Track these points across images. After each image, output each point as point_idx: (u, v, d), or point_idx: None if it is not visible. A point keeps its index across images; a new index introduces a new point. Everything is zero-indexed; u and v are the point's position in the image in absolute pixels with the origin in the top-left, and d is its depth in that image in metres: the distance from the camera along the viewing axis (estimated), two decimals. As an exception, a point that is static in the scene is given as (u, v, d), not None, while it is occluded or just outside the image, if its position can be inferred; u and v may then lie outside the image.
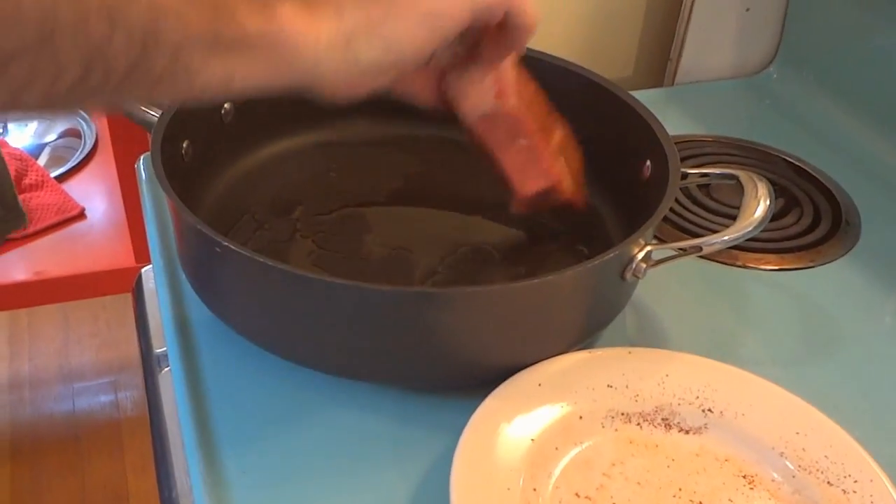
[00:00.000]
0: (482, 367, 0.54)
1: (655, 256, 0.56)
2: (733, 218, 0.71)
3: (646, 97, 0.89)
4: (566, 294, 0.54)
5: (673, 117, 0.87)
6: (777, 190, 0.76)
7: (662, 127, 0.63)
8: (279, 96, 0.72)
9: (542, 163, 0.60)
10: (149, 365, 0.69)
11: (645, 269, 0.55)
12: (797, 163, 0.80)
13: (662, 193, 0.57)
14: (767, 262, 0.69)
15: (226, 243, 0.51)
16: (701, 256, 0.69)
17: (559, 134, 0.62)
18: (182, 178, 0.64)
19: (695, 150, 0.81)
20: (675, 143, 0.80)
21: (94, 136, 1.59)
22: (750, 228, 0.55)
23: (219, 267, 0.55)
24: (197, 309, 0.61)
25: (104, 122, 1.51)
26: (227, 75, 0.42)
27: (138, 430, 1.66)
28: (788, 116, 0.88)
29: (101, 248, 1.40)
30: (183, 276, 0.63)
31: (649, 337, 0.63)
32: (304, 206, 0.69)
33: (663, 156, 0.61)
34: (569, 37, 0.91)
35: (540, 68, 0.72)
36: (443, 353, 0.53)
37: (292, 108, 0.74)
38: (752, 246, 0.69)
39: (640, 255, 0.54)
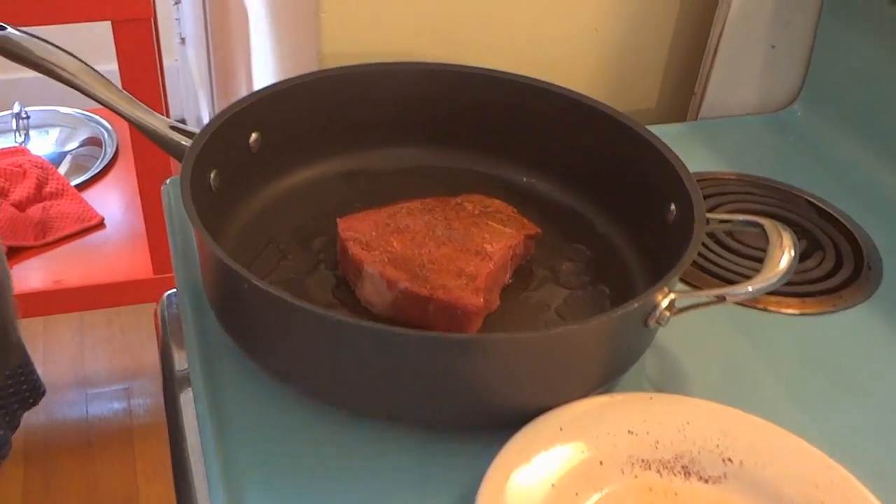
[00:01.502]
0: (504, 410, 0.55)
1: (679, 304, 0.56)
2: (757, 260, 0.72)
3: (669, 131, 0.90)
4: (590, 342, 0.54)
5: (696, 152, 0.87)
6: (799, 232, 0.77)
7: (688, 171, 0.64)
8: (306, 124, 0.74)
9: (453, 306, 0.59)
10: (170, 389, 0.69)
11: (668, 318, 0.55)
12: (819, 203, 0.80)
13: (687, 240, 0.58)
14: (789, 307, 0.69)
15: (254, 282, 0.51)
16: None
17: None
18: (208, 207, 0.64)
19: (717, 187, 0.81)
20: (698, 181, 0.81)
21: (116, 144, 1.61)
22: (774, 280, 0.55)
23: (244, 303, 0.56)
24: (222, 338, 0.61)
25: (126, 130, 1.52)
26: None
27: (150, 436, 1.67)
28: (812, 154, 0.88)
29: (120, 259, 1.41)
30: (207, 304, 0.63)
31: (669, 379, 0.63)
32: (328, 237, 0.69)
33: (689, 201, 0.61)
34: (594, 68, 0.91)
35: (566, 107, 0.73)
36: (466, 396, 0.54)
37: (319, 137, 0.75)
38: (774, 289, 0.69)
39: (664, 304, 0.55)
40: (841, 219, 0.79)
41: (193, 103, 2.26)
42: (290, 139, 0.73)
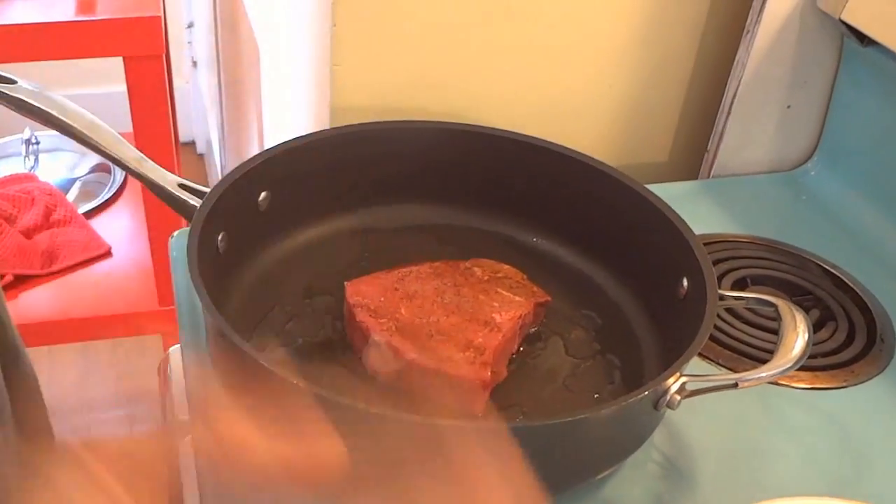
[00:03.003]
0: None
1: (690, 387, 0.55)
2: (769, 331, 0.71)
3: (681, 190, 0.90)
4: (598, 428, 0.53)
5: (708, 211, 0.87)
6: (812, 301, 0.76)
7: (701, 245, 0.63)
8: (316, 182, 0.73)
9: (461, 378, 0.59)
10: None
11: (679, 401, 0.54)
12: (832, 270, 0.79)
13: (698, 320, 0.57)
14: (800, 381, 0.68)
15: (267, 367, 0.51)
16: (726, 367, 0.68)
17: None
18: (215, 269, 0.64)
19: (730, 251, 0.80)
20: (710, 243, 0.80)
21: (124, 174, 1.60)
22: (788, 366, 0.55)
23: (249, 378, 0.55)
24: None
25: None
26: None
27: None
28: (825, 216, 0.87)
29: (126, 289, 1.41)
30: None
31: (678, 453, 0.62)
32: (335, 298, 0.68)
33: (701, 279, 0.60)
34: (606, 123, 0.91)
35: (578, 170, 0.72)
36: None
37: (327, 195, 0.74)
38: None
39: (675, 388, 0.54)
40: (854, 287, 0.78)
41: (203, 125, 2.27)
42: (299, 197, 0.72)
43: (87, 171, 1.62)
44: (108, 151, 0.67)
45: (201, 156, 2.34)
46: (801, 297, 0.76)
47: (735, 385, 0.55)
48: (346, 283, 0.66)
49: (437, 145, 0.75)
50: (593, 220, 0.72)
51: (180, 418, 0.74)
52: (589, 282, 0.72)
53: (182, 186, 0.67)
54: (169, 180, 0.67)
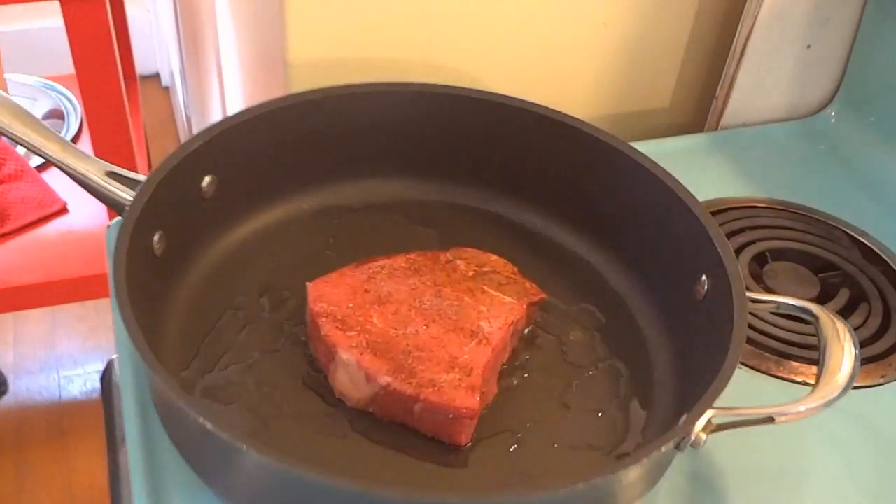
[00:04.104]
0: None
1: (717, 421, 0.46)
2: (796, 320, 0.62)
3: (686, 145, 0.80)
4: (608, 487, 0.45)
5: (716, 170, 0.77)
6: (839, 277, 0.67)
7: (723, 236, 0.54)
8: (268, 160, 0.63)
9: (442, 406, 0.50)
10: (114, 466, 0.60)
11: (705, 440, 0.45)
12: (861, 238, 0.70)
13: (723, 337, 0.48)
14: (831, 379, 0.59)
15: (213, 430, 0.42)
16: (746, 365, 0.60)
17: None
18: (152, 275, 0.55)
19: (747, 219, 0.71)
20: (723, 209, 0.71)
21: (80, 118, 1.48)
22: (835, 394, 0.46)
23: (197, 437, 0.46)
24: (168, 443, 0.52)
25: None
26: None
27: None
28: (847, 169, 0.78)
29: (85, 249, 1.30)
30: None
31: (703, 461, 0.54)
32: (297, 300, 0.59)
33: (725, 279, 0.51)
34: (601, 67, 0.80)
35: (576, 139, 0.62)
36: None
37: (282, 173, 0.64)
38: (813, 357, 0.60)
39: (700, 426, 0.45)
40: (887, 258, 0.69)
41: (167, 56, 2.13)
42: (250, 178, 0.63)
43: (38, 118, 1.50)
44: (19, 136, 0.57)
45: (167, 89, 2.20)
46: (828, 274, 0.67)
47: (771, 420, 0.46)
48: (308, 284, 0.57)
49: (410, 111, 0.65)
50: (594, 198, 0.63)
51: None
52: (588, 269, 0.63)
53: (111, 175, 0.57)
54: (95, 169, 0.57)
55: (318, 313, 0.55)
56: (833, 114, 0.82)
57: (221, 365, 0.55)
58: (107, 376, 0.66)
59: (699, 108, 0.85)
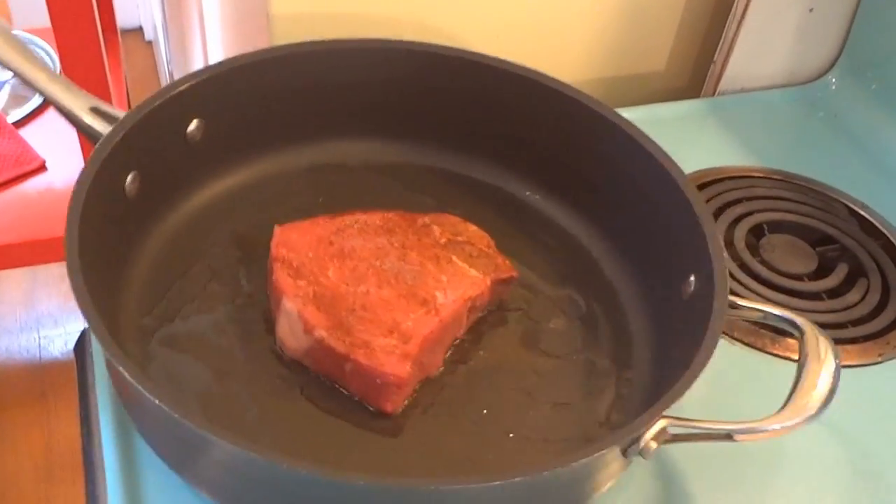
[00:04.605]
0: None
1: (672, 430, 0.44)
2: (796, 296, 0.60)
3: (682, 110, 0.77)
4: (537, 488, 0.42)
5: (713, 137, 0.75)
6: (837, 251, 0.65)
7: (717, 237, 0.51)
8: (261, 108, 0.60)
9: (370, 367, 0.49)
10: (89, 454, 0.58)
11: (654, 450, 0.43)
12: (860, 210, 0.68)
13: (694, 343, 0.45)
14: (826, 356, 0.58)
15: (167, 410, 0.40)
16: (741, 341, 0.58)
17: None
18: (121, 216, 0.53)
19: (743, 190, 0.68)
20: (718, 180, 0.69)
21: (59, 71, 1.44)
22: (807, 414, 0.43)
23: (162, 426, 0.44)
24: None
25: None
26: None
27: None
28: (847, 137, 0.75)
29: (65, 208, 1.27)
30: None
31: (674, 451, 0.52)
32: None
33: (710, 282, 0.48)
34: (593, 28, 0.77)
35: (583, 116, 0.59)
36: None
37: (276, 124, 0.62)
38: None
39: (651, 433, 0.43)
40: (886, 231, 0.67)
41: (150, 7, 2.08)
42: (240, 127, 0.60)
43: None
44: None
45: (150, 43, 2.15)
46: (826, 248, 0.65)
47: (729, 437, 0.44)
48: (276, 227, 0.54)
49: (410, 71, 0.62)
50: (599, 180, 0.60)
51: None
52: (583, 253, 0.60)
53: (95, 111, 0.54)
54: (79, 104, 0.54)
55: (274, 257, 0.53)
56: (834, 80, 0.79)
57: (183, 314, 0.54)
58: (80, 346, 0.63)
59: (696, 73, 0.83)
